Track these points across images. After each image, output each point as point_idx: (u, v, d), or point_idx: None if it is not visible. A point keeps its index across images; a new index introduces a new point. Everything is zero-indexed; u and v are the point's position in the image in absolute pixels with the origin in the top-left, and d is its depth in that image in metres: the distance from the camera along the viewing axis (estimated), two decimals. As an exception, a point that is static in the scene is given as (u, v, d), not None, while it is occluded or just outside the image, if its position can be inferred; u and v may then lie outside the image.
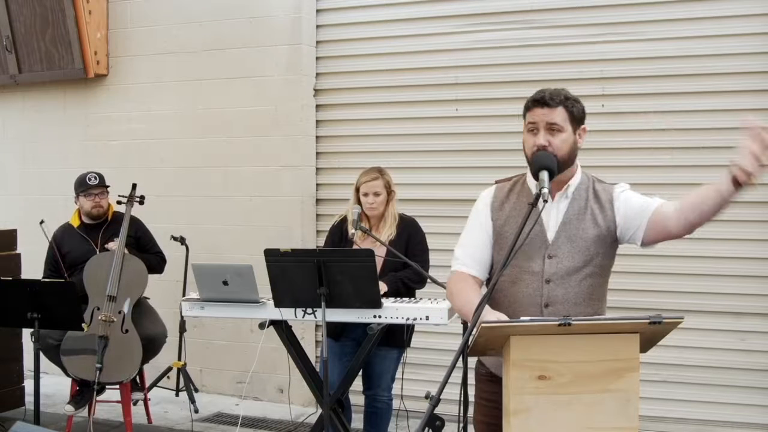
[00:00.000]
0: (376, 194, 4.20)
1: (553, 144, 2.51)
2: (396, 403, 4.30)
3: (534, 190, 2.52)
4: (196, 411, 5.25)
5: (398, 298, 3.99)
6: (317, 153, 5.86)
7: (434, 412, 2.22)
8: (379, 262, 3.91)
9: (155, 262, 5.05)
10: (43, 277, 4.90)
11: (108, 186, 5.01)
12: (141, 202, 5.10)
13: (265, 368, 5.50)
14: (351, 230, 4.07)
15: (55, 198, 6.34)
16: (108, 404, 5.08)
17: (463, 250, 2.71)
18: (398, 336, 4.06)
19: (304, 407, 5.50)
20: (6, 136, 6.74)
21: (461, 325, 3.77)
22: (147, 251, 5.04)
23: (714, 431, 4.93)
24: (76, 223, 4.99)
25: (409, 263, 3.97)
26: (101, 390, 4.67)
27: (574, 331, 2.16)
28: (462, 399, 2.59)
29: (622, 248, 2.67)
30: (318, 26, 5.83)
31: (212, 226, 5.96)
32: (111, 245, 4.81)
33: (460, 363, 2.29)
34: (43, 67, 6.28)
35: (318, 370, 4.19)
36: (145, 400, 5.11)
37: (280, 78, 5.78)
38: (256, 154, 5.84)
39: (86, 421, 4.57)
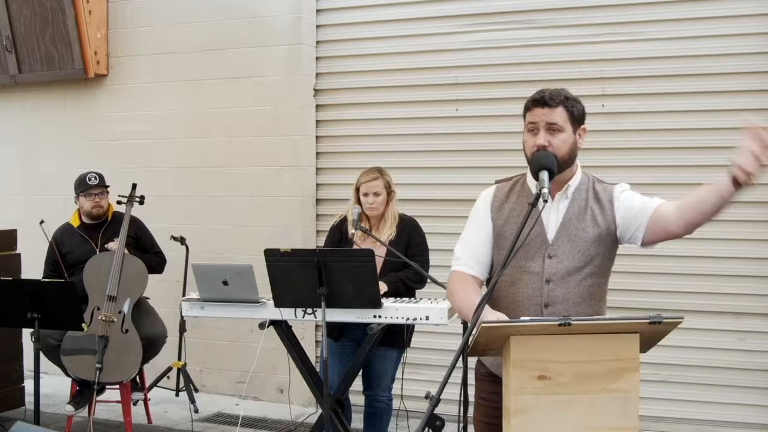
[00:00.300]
0: (376, 194, 4.20)
1: (553, 144, 2.51)
2: (396, 403, 4.30)
3: (534, 190, 2.52)
4: (196, 411, 5.25)
5: (398, 298, 3.99)
6: (317, 153, 5.86)
7: (434, 412, 2.22)
8: (379, 263, 3.91)
9: (155, 262, 5.05)
10: (43, 277, 4.90)
11: (108, 186, 5.01)
12: (141, 202, 5.10)
13: (265, 368, 5.50)
14: (351, 230, 4.08)
15: (55, 198, 6.34)
16: (108, 404, 5.08)
17: (464, 250, 2.71)
18: (398, 336, 4.06)
19: (304, 407, 5.50)
20: (6, 136, 6.74)
21: (461, 325, 3.77)
22: (147, 251, 5.04)
23: (714, 431, 4.94)
24: (76, 223, 4.99)
25: (409, 263, 3.97)
26: (101, 390, 4.67)
27: (574, 331, 2.16)
28: (462, 399, 2.59)
29: (622, 248, 2.67)
30: (318, 26, 5.83)
31: (212, 226, 5.96)
32: (111, 245, 4.81)
33: (460, 363, 2.28)
34: (43, 67, 6.28)
35: (318, 370, 4.19)
36: (145, 400, 5.11)
37: (280, 78, 5.78)
38: (256, 154, 5.84)
39: (86, 421, 4.57)
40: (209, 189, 6.00)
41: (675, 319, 2.25)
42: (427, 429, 2.46)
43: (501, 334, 2.20)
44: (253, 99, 5.85)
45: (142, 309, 4.80)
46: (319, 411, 4.03)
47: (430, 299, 3.98)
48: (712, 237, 4.92)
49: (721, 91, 4.91)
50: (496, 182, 2.76)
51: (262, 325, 4.02)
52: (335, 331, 4.16)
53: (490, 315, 2.39)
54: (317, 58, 5.84)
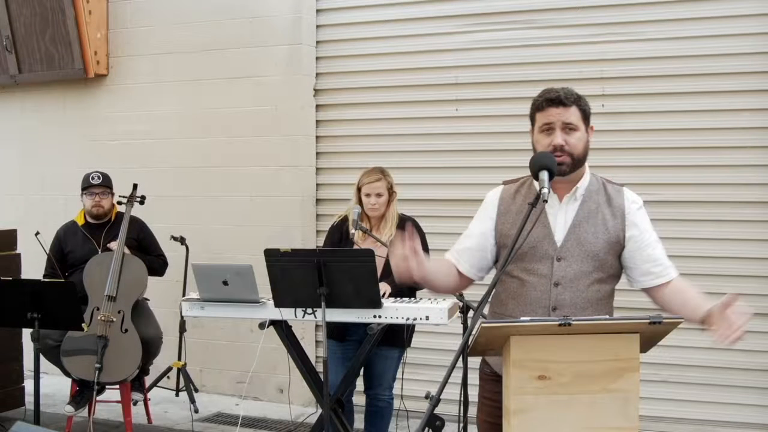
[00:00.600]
0: (379, 195, 4.20)
1: (569, 143, 2.50)
2: (396, 403, 4.30)
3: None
4: (196, 411, 5.25)
5: (398, 298, 3.99)
6: (317, 153, 5.86)
7: (434, 412, 2.22)
8: (379, 263, 3.91)
9: (157, 264, 5.05)
10: (44, 275, 4.91)
11: (111, 187, 5.00)
12: (141, 202, 5.10)
13: (265, 368, 5.50)
14: (351, 230, 4.08)
15: (55, 198, 6.34)
16: (108, 404, 5.08)
17: (460, 247, 2.73)
18: (399, 336, 4.07)
19: (304, 407, 5.50)
20: (6, 136, 6.74)
21: (461, 325, 3.78)
22: (149, 254, 5.03)
23: (714, 431, 4.94)
24: (81, 222, 5.00)
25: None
26: (101, 390, 4.67)
27: (575, 331, 2.16)
28: (462, 399, 2.60)
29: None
30: (318, 26, 5.83)
31: (212, 226, 5.96)
32: (113, 245, 4.81)
33: (460, 363, 2.29)
34: (43, 67, 6.28)
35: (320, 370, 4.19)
36: (145, 400, 5.11)
37: (280, 78, 5.79)
38: (256, 154, 5.84)
39: (86, 421, 4.57)
40: (209, 189, 6.00)
41: (675, 319, 2.26)
42: (427, 429, 2.46)
43: (501, 334, 2.19)
44: (253, 99, 5.85)
45: (139, 311, 4.78)
46: (319, 411, 4.03)
47: (430, 299, 3.98)
48: (712, 237, 4.93)
49: (721, 91, 4.91)
50: (504, 183, 2.75)
51: (262, 325, 4.01)
52: (339, 332, 4.17)
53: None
54: (317, 58, 5.84)
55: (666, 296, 2.58)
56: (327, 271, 3.64)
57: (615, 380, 2.18)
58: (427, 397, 2.24)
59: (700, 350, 4.89)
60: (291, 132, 5.77)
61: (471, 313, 3.72)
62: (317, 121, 5.86)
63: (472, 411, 2.69)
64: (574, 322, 2.14)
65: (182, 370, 5.49)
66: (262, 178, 5.84)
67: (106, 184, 4.97)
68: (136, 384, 4.90)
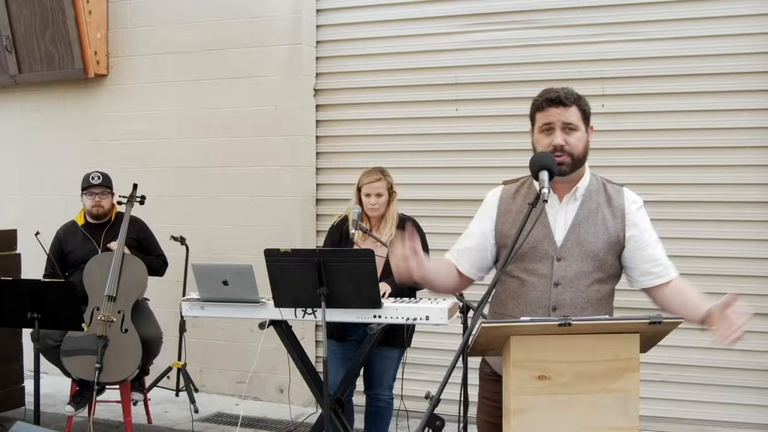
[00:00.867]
0: (379, 195, 4.20)
1: (569, 143, 2.51)
2: (396, 403, 4.30)
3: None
4: (196, 411, 5.25)
5: (398, 298, 3.99)
6: (317, 153, 5.86)
7: (434, 412, 2.22)
8: (379, 263, 3.91)
9: (157, 264, 5.04)
10: (44, 275, 4.91)
11: (111, 187, 5.00)
12: (141, 202, 5.10)
13: (265, 368, 5.50)
14: (351, 230, 4.08)
15: (55, 198, 6.34)
16: (108, 404, 5.08)
17: (460, 247, 2.73)
18: (399, 336, 4.07)
19: (304, 407, 5.50)
20: (6, 136, 6.74)
21: (461, 325, 3.78)
22: (149, 253, 5.03)
23: (714, 431, 4.94)
24: (81, 222, 5.00)
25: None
26: (101, 390, 4.67)
27: (575, 331, 2.16)
28: (462, 399, 2.60)
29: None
30: (318, 26, 5.83)
31: (212, 226, 5.96)
32: (113, 245, 4.81)
33: (460, 363, 2.29)
34: (43, 67, 6.28)
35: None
36: (145, 400, 5.11)
37: (280, 78, 5.79)
38: (256, 154, 5.84)
39: (86, 421, 4.57)
40: (209, 189, 6.00)
41: (675, 319, 2.26)
42: (427, 429, 2.46)
43: (501, 334, 2.19)
44: (253, 99, 5.85)
45: (138, 311, 4.78)
46: (319, 411, 4.03)
47: (430, 299, 3.98)
48: (712, 237, 4.93)
49: (721, 91, 4.91)
50: (504, 183, 2.75)
51: (262, 325, 4.01)
52: (339, 332, 4.17)
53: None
54: (317, 58, 5.84)
55: (666, 296, 2.58)
56: (327, 271, 3.64)
57: (615, 380, 2.18)
58: (427, 397, 2.24)
59: (700, 350, 4.89)
60: (291, 132, 5.77)
61: (471, 313, 3.72)
62: (317, 121, 5.86)
63: (472, 411, 2.69)
64: (574, 322, 2.14)
65: (182, 370, 5.49)
66: (262, 178, 5.84)
67: (106, 184, 4.97)
68: (136, 384, 4.90)
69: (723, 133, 4.91)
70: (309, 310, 3.83)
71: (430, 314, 3.78)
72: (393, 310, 3.80)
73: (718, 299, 2.36)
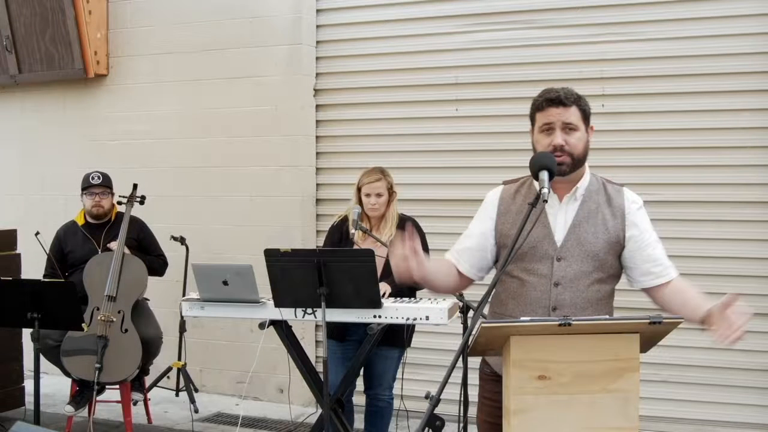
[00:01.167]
0: (379, 195, 4.20)
1: (569, 143, 2.51)
2: (396, 403, 4.30)
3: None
4: (196, 411, 5.25)
5: (398, 298, 3.99)
6: (317, 153, 5.87)
7: (434, 412, 2.22)
8: (379, 263, 3.91)
9: (157, 264, 5.04)
10: (44, 275, 4.91)
11: (111, 187, 5.00)
12: (141, 202, 5.10)
13: (265, 368, 5.50)
14: (351, 230, 4.08)
15: (55, 198, 6.34)
16: (108, 404, 5.08)
17: (460, 247, 2.73)
18: (399, 336, 4.07)
19: (304, 407, 5.50)
20: (6, 136, 6.74)
21: (461, 325, 3.78)
22: (149, 253, 5.03)
23: (714, 431, 4.94)
24: (81, 222, 5.00)
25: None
26: (101, 390, 4.67)
27: (574, 331, 2.16)
28: (462, 399, 2.60)
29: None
30: (318, 26, 5.83)
31: (212, 226, 5.96)
32: (113, 245, 4.81)
33: (460, 363, 2.29)
34: (43, 67, 6.28)
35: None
36: (145, 400, 5.11)
37: (280, 78, 5.79)
38: (256, 154, 5.84)
39: (86, 421, 4.57)
40: (209, 189, 6.01)
41: (675, 319, 2.26)
42: (427, 429, 2.46)
43: (501, 334, 2.19)
44: (253, 99, 5.85)
45: (139, 311, 4.78)
46: (319, 411, 4.03)
47: (430, 299, 3.98)
48: (712, 237, 4.93)
49: (721, 91, 4.91)
50: (504, 183, 2.75)
51: (262, 325, 4.01)
52: (339, 332, 4.17)
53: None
54: (317, 58, 5.84)
55: (666, 296, 2.58)
56: (327, 271, 3.64)
57: (615, 380, 2.19)
58: (427, 397, 2.24)
59: (700, 350, 4.89)
60: (291, 132, 5.77)
61: (471, 313, 3.72)
62: (317, 121, 5.86)
63: (472, 411, 2.69)
64: (574, 322, 2.14)
65: (182, 370, 5.49)
66: (262, 178, 5.84)
67: (106, 184, 4.97)
68: (136, 384, 4.90)
69: (723, 133, 4.91)
70: (309, 310, 3.83)
71: (430, 314, 3.78)
72: (393, 310, 3.80)
73: (718, 299, 2.35)
